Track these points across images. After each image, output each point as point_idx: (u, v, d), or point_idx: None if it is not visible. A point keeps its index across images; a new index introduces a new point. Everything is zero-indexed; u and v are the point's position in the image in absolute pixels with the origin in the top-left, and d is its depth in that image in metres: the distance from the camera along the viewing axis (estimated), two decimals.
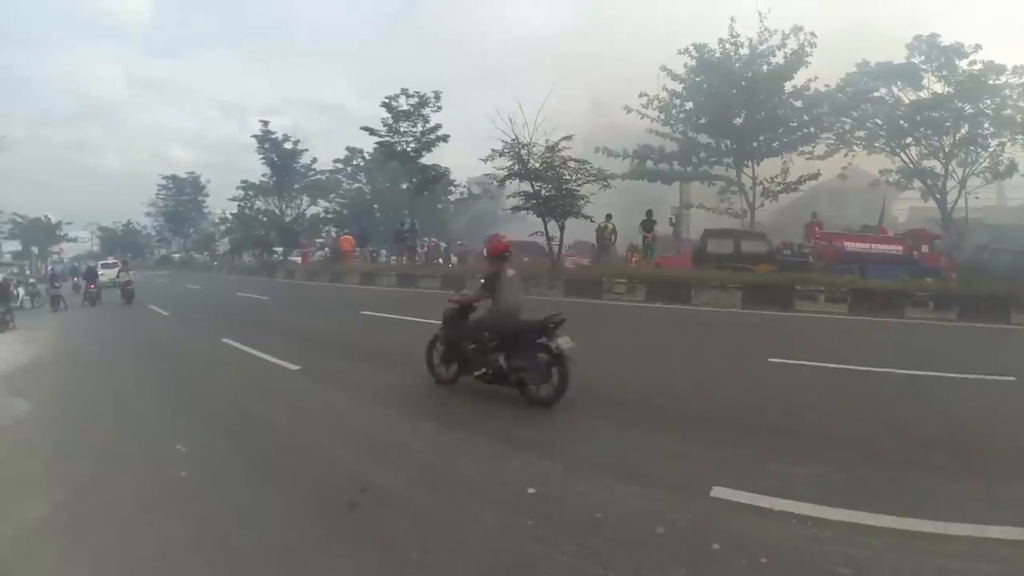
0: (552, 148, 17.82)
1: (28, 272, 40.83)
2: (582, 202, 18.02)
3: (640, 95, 24.98)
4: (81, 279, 25.90)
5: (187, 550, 3.50)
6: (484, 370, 6.42)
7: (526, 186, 18.70)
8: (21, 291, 23.54)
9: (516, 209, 19.43)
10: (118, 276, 24.90)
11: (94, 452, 5.51)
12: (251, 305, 18.80)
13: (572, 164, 17.96)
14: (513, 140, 18.09)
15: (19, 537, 3.86)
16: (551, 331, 6.00)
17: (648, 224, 19.87)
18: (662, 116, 25.15)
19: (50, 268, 38.83)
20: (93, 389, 8.50)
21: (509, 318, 6.36)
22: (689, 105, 25.28)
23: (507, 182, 19.76)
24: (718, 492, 3.79)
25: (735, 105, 23.96)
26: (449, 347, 6.89)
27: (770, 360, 7.75)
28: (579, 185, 18.05)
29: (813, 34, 22.96)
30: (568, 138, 17.92)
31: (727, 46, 24.39)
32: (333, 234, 40.90)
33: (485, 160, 19.68)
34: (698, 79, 24.76)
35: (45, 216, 58.82)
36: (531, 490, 4.01)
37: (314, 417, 6.27)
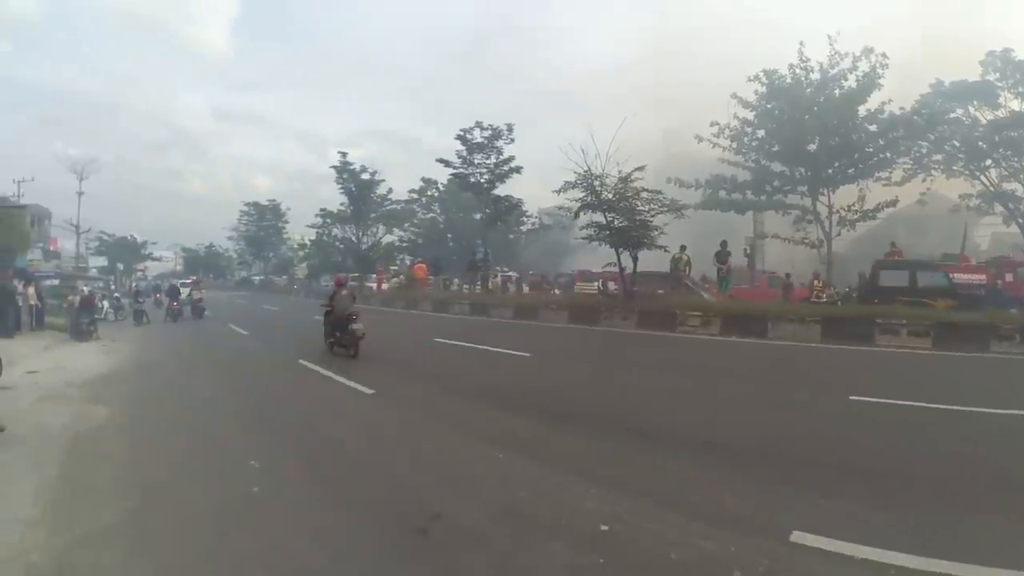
0: (625, 179, 17.94)
1: (113, 287, 43.79)
2: (655, 233, 18.11)
3: (711, 124, 25.02)
4: (163, 295, 28.03)
5: (255, 565, 3.59)
6: (332, 340, 12.33)
7: (599, 217, 18.88)
8: (105, 304, 25.67)
9: (589, 239, 19.69)
10: (191, 294, 26.75)
11: (168, 462, 5.71)
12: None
13: (645, 195, 17.98)
14: (586, 171, 18.34)
15: (88, 540, 3.99)
16: (351, 321, 11.65)
17: (723, 255, 19.76)
18: (734, 145, 25.07)
19: (134, 285, 41.14)
20: (170, 401, 8.92)
21: (340, 315, 12.08)
22: (761, 133, 25.07)
23: (580, 213, 19.89)
24: (797, 537, 3.63)
25: (808, 131, 23.67)
26: (325, 329, 12.65)
27: (851, 398, 7.50)
28: (652, 216, 18.14)
29: (884, 55, 22.66)
30: (640, 168, 17.98)
31: (797, 71, 24.23)
32: (407, 262, 42.33)
33: (558, 192, 20.02)
34: (769, 106, 24.58)
35: (131, 235, 62.57)
36: (604, 527, 3.89)
37: (388, 441, 6.42)
